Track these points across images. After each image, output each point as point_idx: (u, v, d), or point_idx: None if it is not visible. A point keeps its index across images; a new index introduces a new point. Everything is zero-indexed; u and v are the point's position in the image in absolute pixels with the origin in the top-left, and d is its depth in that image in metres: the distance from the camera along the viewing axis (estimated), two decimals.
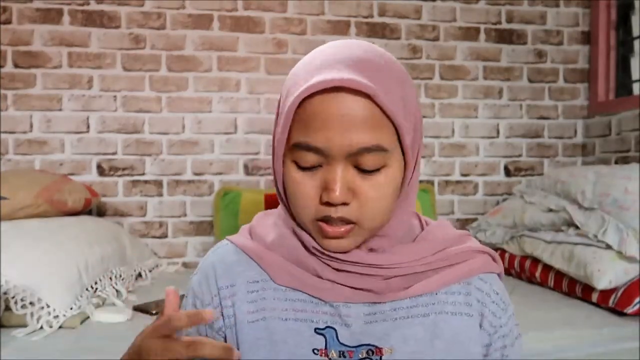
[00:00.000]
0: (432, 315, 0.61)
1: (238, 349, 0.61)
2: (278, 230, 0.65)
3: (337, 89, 0.53)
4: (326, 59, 0.57)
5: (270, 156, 0.66)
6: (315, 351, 0.59)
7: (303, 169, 0.57)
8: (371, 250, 0.61)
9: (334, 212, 0.56)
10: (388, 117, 0.55)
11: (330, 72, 0.54)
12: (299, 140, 0.55)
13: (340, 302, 0.60)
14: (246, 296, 0.62)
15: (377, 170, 0.55)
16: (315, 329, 0.60)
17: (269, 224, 0.67)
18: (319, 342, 0.60)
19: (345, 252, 0.59)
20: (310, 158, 0.55)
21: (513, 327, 0.65)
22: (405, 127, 0.56)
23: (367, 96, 0.53)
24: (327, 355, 0.59)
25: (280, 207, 0.66)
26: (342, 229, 0.56)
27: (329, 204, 0.55)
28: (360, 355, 0.59)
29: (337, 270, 0.60)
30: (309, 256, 0.61)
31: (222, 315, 0.63)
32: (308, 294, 0.61)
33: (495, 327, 0.63)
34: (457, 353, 0.60)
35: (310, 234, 0.60)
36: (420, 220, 0.69)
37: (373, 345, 0.59)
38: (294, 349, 0.59)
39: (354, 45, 0.58)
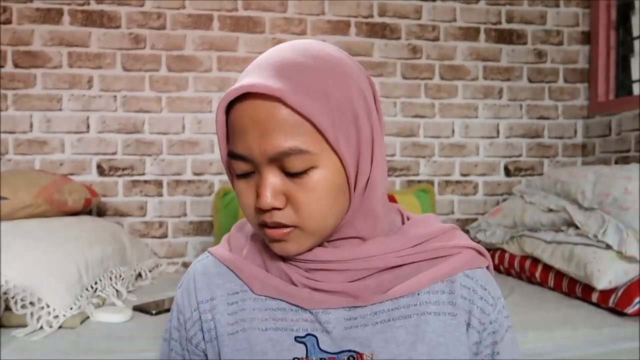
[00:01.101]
0: (414, 316, 0.59)
1: None
2: (253, 238, 0.65)
3: (249, 95, 0.53)
4: (252, 64, 0.57)
5: None
6: None
7: (239, 176, 0.57)
8: (335, 248, 0.60)
9: (268, 218, 0.55)
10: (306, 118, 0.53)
11: (245, 79, 0.55)
12: (229, 149, 0.57)
13: (320, 309, 0.59)
14: (226, 308, 0.62)
15: (305, 172, 0.54)
16: (296, 337, 0.59)
17: (244, 233, 0.67)
18: (300, 350, 0.59)
19: (297, 255, 0.58)
20: (241, 166, 0.56)
21: (503, 321, 0.63)
22: (330, 125, 0.54)
23: (278, 99, 0.52)
24: None
25: None
26: (283, 231, 0.56)
27: (261, 209, 0.55)
28: None
29: (307, 270, 0.60)
30: (280, 262, 0.61)
31: (202, 329, 0.63)
32: (287, 302, 0.60)
33: (484, 325, 0.61)
34: (440, 355, 0.59)
35: None
36: (402, 216, 0.67)
37: (354, 351, 0.58)
38: (275, 359, 0.59)
39: (288, 47, 0.58)
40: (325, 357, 0.58)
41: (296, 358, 0.58)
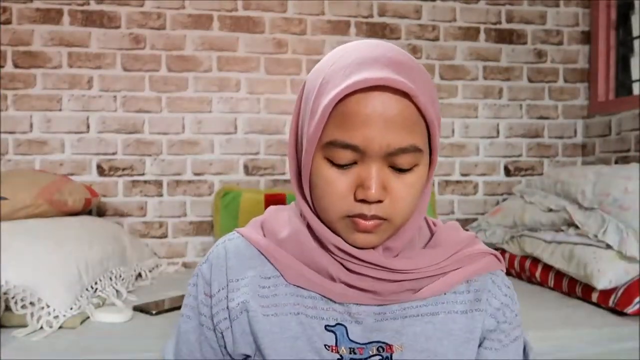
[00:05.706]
0: (442, 314, 0.62)
1: (255, 340, 0.62)
2: (292, 225, 0.64)
3: (376, 87, 0.53)
4: (361, 57, 0.56)
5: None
6: (327, 347, 0.60)
7: (335, 165, 0.57)
8: (386, 249, 0.61)
9: (368, 210, 0.56)
10: (422, 117, 0.55)
11: (369, 70, 0.54)
12: (335, 138, 0.55)
13: (351, 303, 0.61)
14: (259, 290, 0.62)
15: (410, 169, 0.56)
16: (326, 326, 0.60)
17: (283, 219, 0.66)
18: (330, 338, 0.60)
19: (369, 249, 0.59)
20: (346, 156, 0.55)
21: (516, 325, 0.66)
22: (436, 127, 0.57)
23: (405, 96, 0.54)
24: (338, 352, 0.60)
25: (298, 203, 0.65)
26: (375, 223, 0.57)
27: (364, 201, 0.56)
28: (370, 352, 0.60)
29: (351, 271, 0.60)
30: (323, 254, 0.61)
31: (227, 307, 0.63)
32: (318, 294, 0.61)
33: (497, 319, 0.64)
34: (467, 351, 0.61)
35: (333, 231, 0.60)
36: (427, 222, 0.69)
37: (383, 343, 0.60)
38: (306, 344, 0.60)
39: (383, 45, 0.59)
40: (354, 347, 0.60)
41: (327, 345, 0.60)
